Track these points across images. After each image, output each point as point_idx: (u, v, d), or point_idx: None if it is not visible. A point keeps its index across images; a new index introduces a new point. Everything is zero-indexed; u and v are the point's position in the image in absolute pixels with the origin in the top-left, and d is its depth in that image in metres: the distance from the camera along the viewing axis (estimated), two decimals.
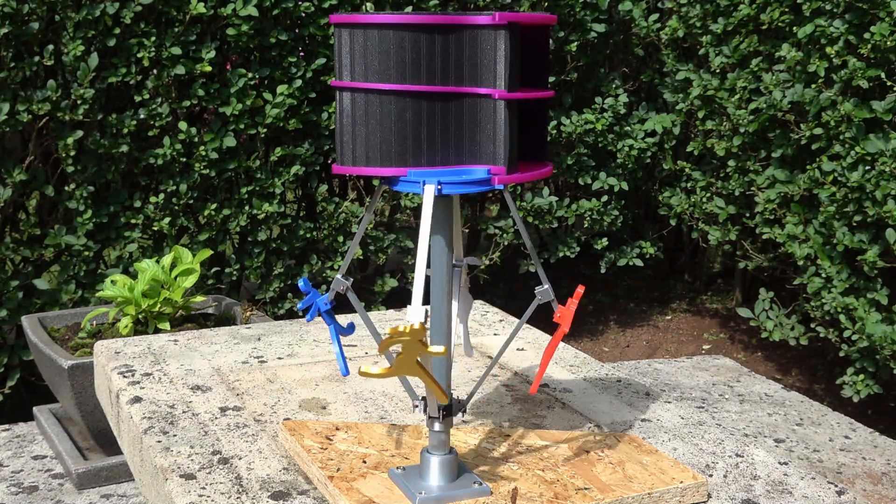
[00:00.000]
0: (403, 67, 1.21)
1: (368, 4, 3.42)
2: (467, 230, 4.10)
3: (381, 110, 1.22)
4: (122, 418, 1.67)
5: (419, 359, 1.14)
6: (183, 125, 3.18)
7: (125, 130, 3.12)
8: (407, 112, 1.22)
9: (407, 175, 1.23)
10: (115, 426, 1.75)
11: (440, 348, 1.11)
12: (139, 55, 3.09)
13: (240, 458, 1.43)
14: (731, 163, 3.59)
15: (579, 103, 4.04)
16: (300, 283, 1.29)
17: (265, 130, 3.33)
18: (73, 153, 3.05)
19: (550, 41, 1.30)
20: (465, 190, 1.22)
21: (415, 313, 1.16)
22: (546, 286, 1.31)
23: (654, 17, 3.98)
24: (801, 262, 3.24)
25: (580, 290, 1.30)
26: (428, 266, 1.33)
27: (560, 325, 1.32)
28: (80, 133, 3.05)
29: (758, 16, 3.44)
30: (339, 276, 1.31)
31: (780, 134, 3.38)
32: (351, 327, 1.35)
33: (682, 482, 1.35)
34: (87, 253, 3.11)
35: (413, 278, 3.73)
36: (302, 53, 3.41)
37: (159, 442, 1.48)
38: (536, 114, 1.34)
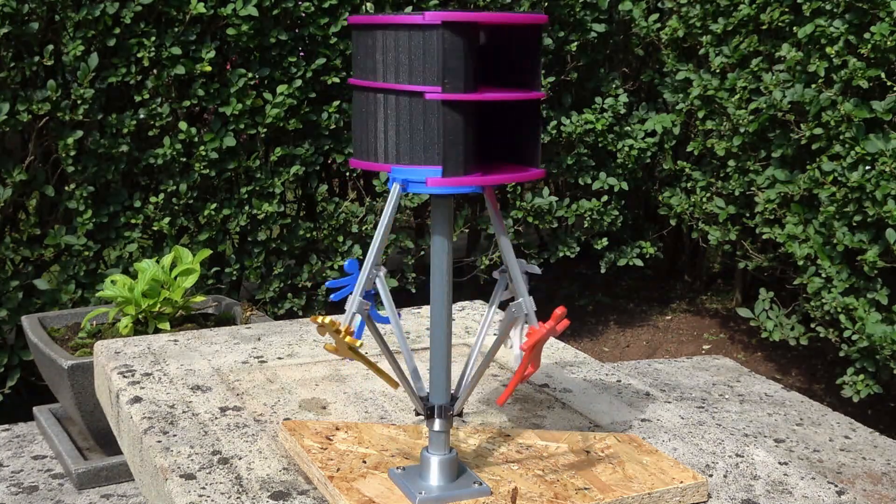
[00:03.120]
0: (386, 67, 1.21)
1: (368, 4, 3.42)
2: (467, 230, 4.10)
3: (374, 108, 1.23)
4: (122, 418, 1.67)
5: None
6: (183, 125, 3.18)
7: (125, 130, 3.12)
8: (390, 111, 1.23)
9: (391, 171, 1.24)
10: (115, 426, 1.75)
11: (358, 341, 1.19)
12: (139, 55, 3.09)
13: (240, 458, 1.43)
14: (731, 163, 3.59)
15: (579, 103, 4.04)
16: (346, 265, 1.29)
17: (265, 130, 3.33)
18: (73, 153, 3.05)
19: (549, 41, 1.29)
20: (420, 190, 1.23)
21: (350, 304, 1.25)
22: (519, 299, 1.27)
23: (654, 17, 3.98)
24: (801, 262, 3.24)
25: (558, 311, 1.18)
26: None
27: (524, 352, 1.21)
28: (80, 133, 3.05)
29: (758, 16, 3.44)
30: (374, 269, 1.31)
31: (780, 134, 3.38)
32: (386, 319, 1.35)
33: (682, 482, 1.35)
34: (87, 253, 3.11)
35: (412, 277, 3.73)
36: (302, 53, 3.41)
37: (159, 442, 1.48)
38: (522, 116, 1.31)
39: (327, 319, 1.16)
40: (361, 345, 1.21)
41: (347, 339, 1.18)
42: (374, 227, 3.65)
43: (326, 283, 1.32)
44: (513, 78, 1.30)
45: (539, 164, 1.29)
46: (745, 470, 1.46)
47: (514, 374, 1.29)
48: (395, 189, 1.23)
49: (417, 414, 1.32)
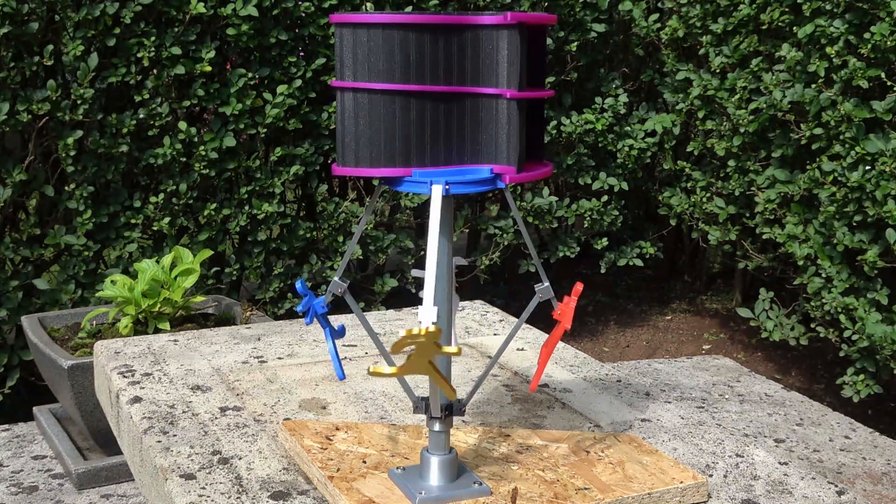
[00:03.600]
0: (407, 68, 1.21)
1: (368, 4, 3.42)
2: (467, 230, 4.10)
3: (384, 111, 1.22)
4: (122, 418, 1.67)
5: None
6: (183, 125, 3.18)
7: (125, 130, 3.12)
8: (411, 112, 1.22)
9: (412, 175, 1.22)
10: (115, 426, 1.75)
11: (454, 348, 1.09)
12: (139, 55, 3.09)
13: (240, 458, 1.43)
14: (731, 163, 3.59)
15: (579, 103, 4.04)
16: (297, 286, 1.29)
17: (265, 130, 3.33)
18: (73, 153, 3.05)
19: (549, 41, 1.31)
20: (472, 189, 1.22)
21: (427, 313, 1.14)
22: (546, 284, 1.31)
23: (654, 17, 3.98)
24: (801, 262, 3.24)
25: (579, 287, 1.31)
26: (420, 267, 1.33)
27: (560, 321, 1.32)
28: (80, 133, 3.05)
29: (758, 16, 3.44)
30: (336, 278, 1.31)
31: (780, 134, 3.38)
32: (342, 330, 1.35)
33: (682, 482, 1.35)
34: (87, 253, 3.11)
35: (413, 277, 3.73)
36: (302, 53, 3.41)
37: (159, 442, 1.48)
38: (535, 113, 1.35)
39: (431, 328, 1.04)
40: (459, 351, 1.10)
41: (446, 348, 1.09)
42: (374, 227, 3.64)
43: (298, 308, 1.32)
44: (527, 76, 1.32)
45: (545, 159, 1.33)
46: (745, 470, 1.46)
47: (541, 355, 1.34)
48: (437, 191, 1.19)
49: (432, 418, 1.31)
